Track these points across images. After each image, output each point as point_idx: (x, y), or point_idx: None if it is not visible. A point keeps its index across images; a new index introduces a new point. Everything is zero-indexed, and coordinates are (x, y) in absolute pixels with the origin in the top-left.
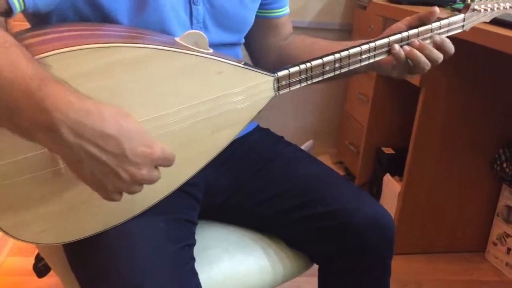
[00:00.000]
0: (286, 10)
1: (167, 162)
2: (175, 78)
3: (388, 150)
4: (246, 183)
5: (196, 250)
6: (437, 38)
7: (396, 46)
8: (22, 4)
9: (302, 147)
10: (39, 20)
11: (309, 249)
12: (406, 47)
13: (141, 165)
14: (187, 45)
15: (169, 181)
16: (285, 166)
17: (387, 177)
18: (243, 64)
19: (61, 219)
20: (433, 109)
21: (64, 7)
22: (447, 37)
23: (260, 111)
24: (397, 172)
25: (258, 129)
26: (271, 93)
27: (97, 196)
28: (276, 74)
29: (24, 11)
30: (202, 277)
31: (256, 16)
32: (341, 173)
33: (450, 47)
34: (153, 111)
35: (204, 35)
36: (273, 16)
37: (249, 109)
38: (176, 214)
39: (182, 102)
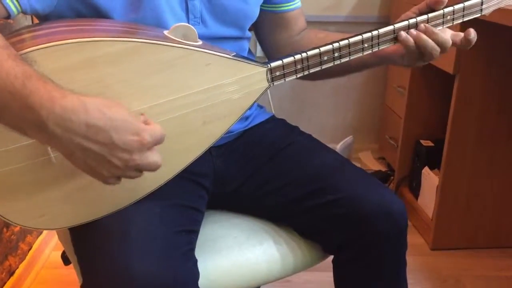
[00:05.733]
0: (296, 4)
1: (159, 142)
2: (162, 71)
3: (426, 143)
4: (257, 172)
5: (206, 238)
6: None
7: (403, 33)
8: (18, 8)
9: (341, 143)
10: (42, 19)
11: (321, 239)
12: (413, 32)
13: (132, 152)
14: (175, 38)
15: (161, 172)
16: (296, 155)
17: (426, 171)
18: (234, 56)
19: (58, 206)
20: (469, 97)
21: (62, 8)
22: (464, 21)
23: (254, 102)
24: (436, 165)
25: (272, 118)
26: (265, 84)
27: (92, 185)
28: (269, 65)
29: (25, 13)
30: (210, 264)
31: (264, 10)
32: (383, 169)
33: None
34: (142, 103)
35: (192, 27)
36: (282, 11)
37: (242, 101)
38: (176, 200)
39: (171, 93)
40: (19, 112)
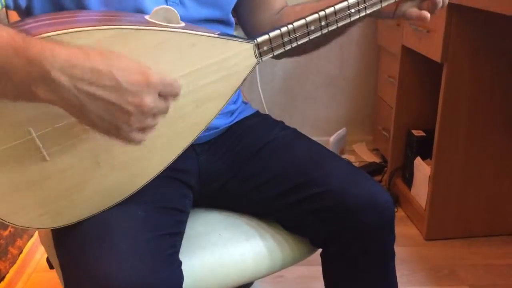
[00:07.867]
0: None
1: (170, 88)
2: (147, 55)
3: (418, 133)
4: (241, 168)
5: (190, 236)
6: None
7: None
8: (2, 2)
9: (334, 136)
10: (24, 15)
11: (308, 232)
12: None
13: (141, 94)
14: (157, 22)
15: (160, 158)
16: (280, 149)
17: (418, 161)
18: (219, 34)
19: (54, 203)
20: (458, 85)
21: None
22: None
23: (245, 79)
24: (428, 155)
25: (256, 114)
26: (253, 60)
27: (85, 181)
28: (255, 40)
29: (8, 8)
30: (194, 263)
31: None
32: (377, 160)
33: None
34: None
35: (173, 9)
36: None
37: (232, 79)
38: (160, 203)
39: None
40: (24, 69)
